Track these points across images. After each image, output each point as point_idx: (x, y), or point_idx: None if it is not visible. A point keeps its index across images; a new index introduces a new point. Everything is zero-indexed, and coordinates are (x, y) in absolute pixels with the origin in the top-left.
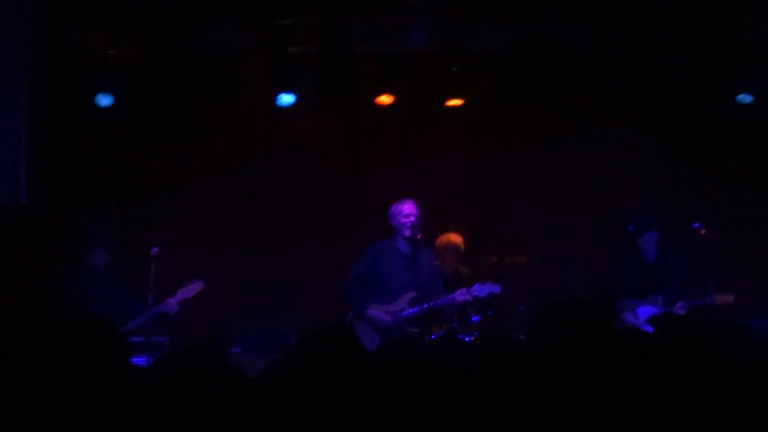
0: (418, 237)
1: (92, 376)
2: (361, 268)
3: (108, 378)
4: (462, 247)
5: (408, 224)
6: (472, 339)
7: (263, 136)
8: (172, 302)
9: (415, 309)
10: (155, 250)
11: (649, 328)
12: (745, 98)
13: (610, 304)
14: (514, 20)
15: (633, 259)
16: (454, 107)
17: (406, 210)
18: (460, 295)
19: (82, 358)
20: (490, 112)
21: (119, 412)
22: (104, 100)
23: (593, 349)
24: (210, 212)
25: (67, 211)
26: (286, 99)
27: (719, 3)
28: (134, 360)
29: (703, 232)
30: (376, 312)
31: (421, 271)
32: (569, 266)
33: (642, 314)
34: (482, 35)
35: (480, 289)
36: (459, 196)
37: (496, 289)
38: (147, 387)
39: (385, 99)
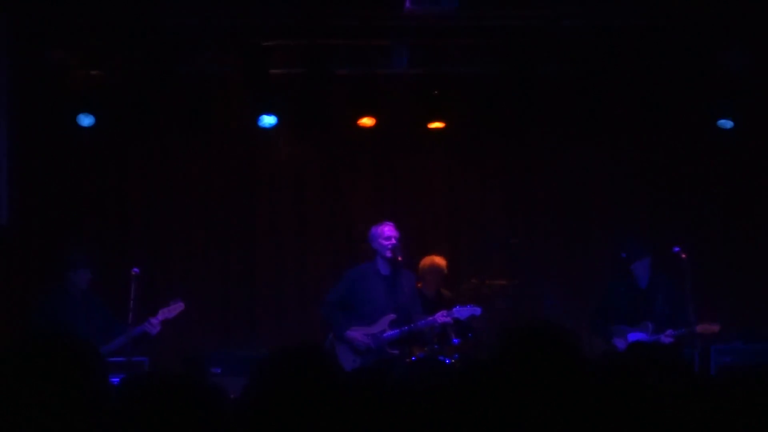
0: (399, 259)
1: (73, 398)
2: (341, 290)
3: (88, 400)
4: (445, 269)
5: (389, 246)
6: (452, 361)
7: (242, 158)
8: (154, 322)
9: (396, 331)
10: (135, 270)
11: None
12: (726, 124)
13: (604, 329)
14: (495, 46)
15: (625, 285)
16: (435, 131)
17: (387, 232)
18: (441, 317)
19: (62, 381)
20: (470, 136)
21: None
22: (85, 120)
23: (556, 373)
24: (189, 233)
25: (48, 231)
26: (268, 120)
27: (698, 35)
28: (114, 380)
29: (684, 256)
30: (356, 333)
31: (402, 293)
32: (549, 289)
33: (632, 340)
34: (464, 59)
35: (460, 311)
36: (439, 219)
37: (477, 311)
38: (124, 406)
39: (367, 121)
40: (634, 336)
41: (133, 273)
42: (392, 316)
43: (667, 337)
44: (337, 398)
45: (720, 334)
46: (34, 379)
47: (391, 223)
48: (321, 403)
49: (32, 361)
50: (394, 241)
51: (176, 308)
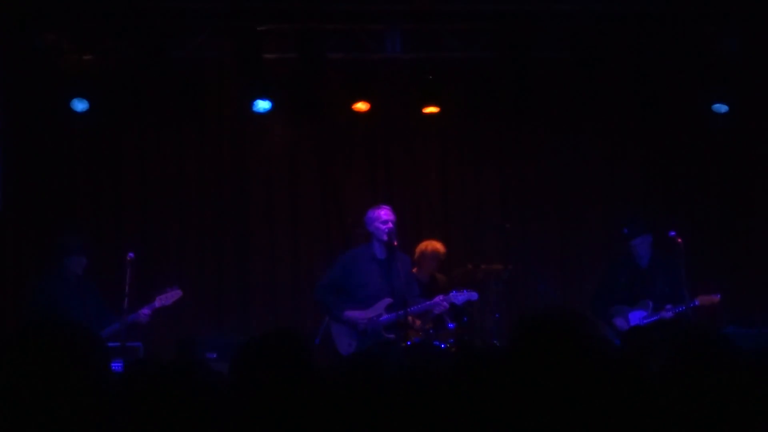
0: (395, 243)
1: (75, 382)
2: (335, 274)
3: (90, 384)
4: (443, 255)
5: (386, 230)
6: (447, 345)
7: (236, 143)
8: (145, 312)
9: (392, 315)
10: (131, 255)
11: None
12: (721, 108)
13: (604, 310)
14: (489, 31)
15: (626, 264)
16: (429, 116)
17: (384, 216)
18: (438, 300)
19: (65, 365)
20: (464, 121)
21: (102, 417)
22: (79, 105)
23: (574, 360)
24: (183, 219)
25: (42, 217)
26: (263, 105)
27: (692, 20)
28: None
29: (679, 240)
30: (354, 313)
31: (397, 277)
32: (543, 273)
33: (633, 319)
34: (458, 44)
35: (457, 296)
36: (433, 204)
37: (473, 296)
38: (125, 391)
39: (361, 106)
40: (635, 314)
41: (129, 258)
42: (388, 300)
43: (667, 312)
44: (314, 384)
45: (715, 317)
46: (36, 364)
47: (387, 207)
48: (298, 389)
49: (34, 346)
50: (390, 224)
51: (173, 295)
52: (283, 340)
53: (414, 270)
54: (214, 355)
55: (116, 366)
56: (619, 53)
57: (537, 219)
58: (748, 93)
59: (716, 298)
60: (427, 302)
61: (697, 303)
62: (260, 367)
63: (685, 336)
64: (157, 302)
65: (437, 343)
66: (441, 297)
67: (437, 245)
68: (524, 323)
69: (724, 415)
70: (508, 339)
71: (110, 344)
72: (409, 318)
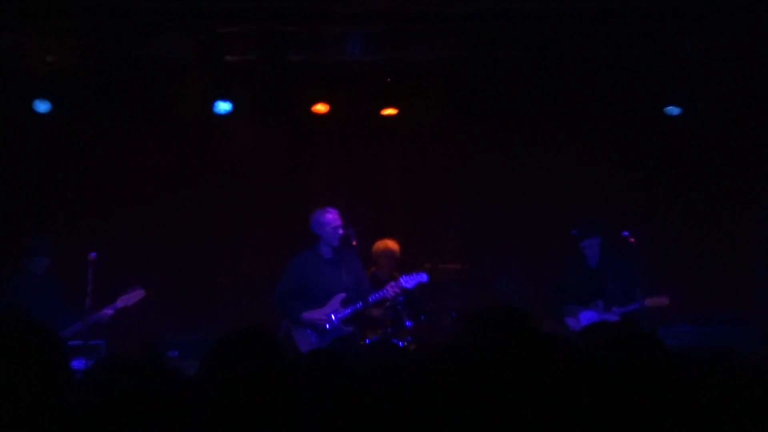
0: (354, 243)
1: (34, 380)
2: (291, 280)
3: (50, 382)
4: (398, 253)
5: (338, 236)
6: (405, 344)
7: (199, 144)
8: (108, 312)
9: (349, 309)
10: (93, 255)
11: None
12: (673, 110)
13: (557, 309)
14: (448, 33)
15: (577, 265)
16: (387, 118)
17: (334, 221)
18: (390, 288)
19: (24, 363)
20: (423, 122)
21: (62, 415)
22: (41, 106)
23: (517, 353)
24: (146, 219)
25: (5, 217)
26: (223, 107)
27: (650, 24)
28: (72, 363)
29: (632, 240)
30: (311, 314)
31: (347, 273)
32: (499, 272)
33: (584, 319)
34: (417, 46)
35: (407, 280)
36: (393, 204)
37: (423, 278)
38: (87, 390)
39: (320, 108)
40: (585, 315)
41: (91, 258)
42: (342, 295)
43: (613, 315)
44: (285, 378)
45: (668, 314)
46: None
47: (335, 210)
48: (270, 383)
49: None
50: (341, 230)
51: (136, 295)
52: (254, 335)
53: (373, 269)
54: (176, 353)
55: (78, 364)
56: (576, 56)
57: (494, 219)
58: (702, 94)
59: (664, 300)
60: (381, 290)
61: (645, 304)
62: (233, 361)
63: (616, 336)
64: (120, 302)
65: (395, 341)
66: (392, 283)
67: (390, 243)
68: (463, 320)
69: (648, 406)
70: (451, 335)
71: (73, 343)
72: (371, 309)
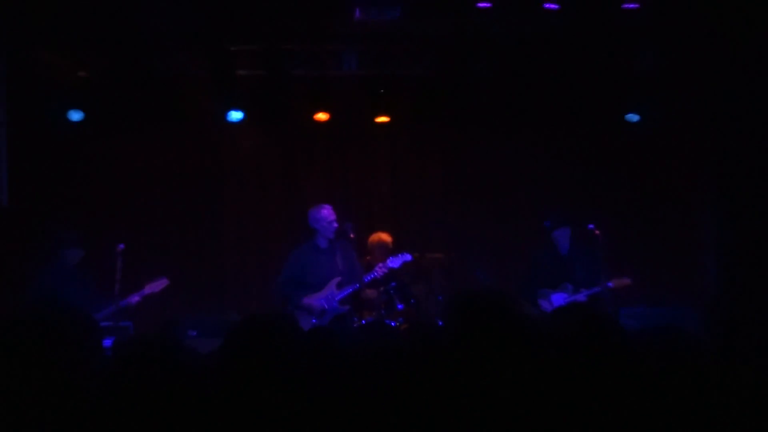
0: (351, 236)
1: (71, 359)
2: (291, 269)
3: (85, 360)
4: (391, 244)
5: (333, 229)
6: (397, 324)
7: (211, 148)
8: (136, 298)
9: (345, 291)
10: (120, 246)
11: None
12: (633, 117)
13: (532, 293)
14: (432, 51)
15: (548, 252)
16: (381, 124)
17: (329, 216)
18: (379, 268)
19: (62, 341)
20: (411, 129)
21: (97, 390)
22: (75, 116)
23: (500, 333)
24: (166, 215)
25: (43, 213)
26: (236, 115)
27: (610, 40)
28: (105, 342)
29: (597, 232)
30: (310, 300)
31: (340, 261)
32: (479, 261)
33: (556, 301)
34: (406, 63)
35: (393, 261)
36: (384, 201)
37: (407, 257)
38: (116, 364)
39: (321, 116)
40: (557, 297)
41: (119, 249)
42: (338, 279)
43: (581, 296)
44: (300, 358)
45: (630, 294)
46: (37, 344)
47: (329, 206)
48: (286, 363)
49: (36, 327)
50: (335, 225)
51: (161, 284)
52: (274, 321)
53: (368, 258)
54: (195, 333)
55: (108, 343)
56: (545, 70)
57: (475, 213)
58: (658, 104)
59: (627, 281)
60: (370, 272)
61: (611, 285)
62: (255, 343)
63: (582, 316)
64: (147, 290)
65: (388, 321)
66: (380, 265)
67: (383, 236)
68: (457, 300)
69: (609, 380)
70: (444, 314)
71: (103, 324)
72: (365, 288)
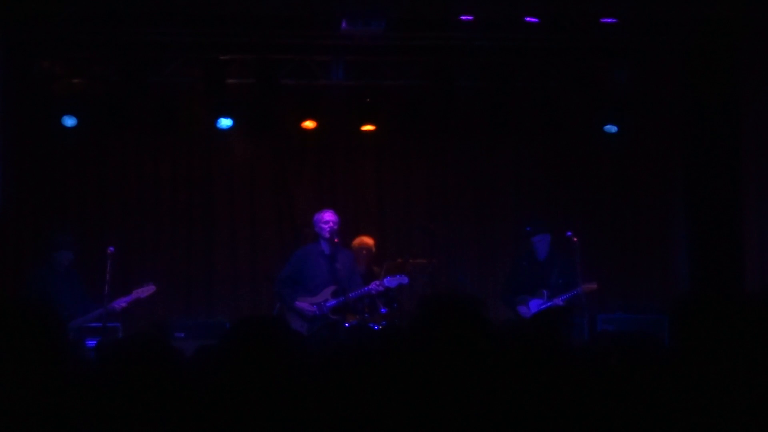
0: (336, 240)
1: (37, 356)
2: (291, 268)
3: (51, 358)
4: (373, 248)
5: (327, 229)
6: (380, 327)
7: (203, 154)
8: (121, 304)
9: (336, 300)
10: (111, 249)
11: None
12: (611, 128)
13: (511, 298)
14: (416, 62)
15: (527, 257)
16: (367, 133)
17: (326, 217)
18: (374, 286)
19: (27, 340)
20: (396, 137)
21: (69, 386)
22: (69, 121)
23: (465, 335)
24: (157, 219)
25: (36, 217)
26: (225, 123)
27: (588, 56)
28: (90, 342)
29: (575, 239)
30: (302, 304)
31: (341, 268)
32: (461, 266)
33: (533, 307)
34: (391, 73)
35: (391, 281)
36: (369, 207)
37: (404, 280)
38: (104, 364)
39: (309, 124)
40: (534, 302)
41: (109, 251)
42: (333, 287)
43: (560, 300)
44: (292, 358)
45: (602, 298)
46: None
47: (331, 210)
48: (278, 363)
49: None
50: (332, 224)
51: (148, 290)
52: (266, 324)
53: (376, 269)
54: (182, 335)
55: (91, 343)
56: (526, 81)
57: (457, 220)
58: (634, 116)
59: (593, 286)
60: (365, 287)
61: (579, 290)
62: (248, 345)
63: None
64: (133, 295)
65: (372, 325)
66: (377, 282)
67: (365, 239)
68: (425, 304)
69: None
70: (411, 316)
71: (93, 325)
72: (354, 301)
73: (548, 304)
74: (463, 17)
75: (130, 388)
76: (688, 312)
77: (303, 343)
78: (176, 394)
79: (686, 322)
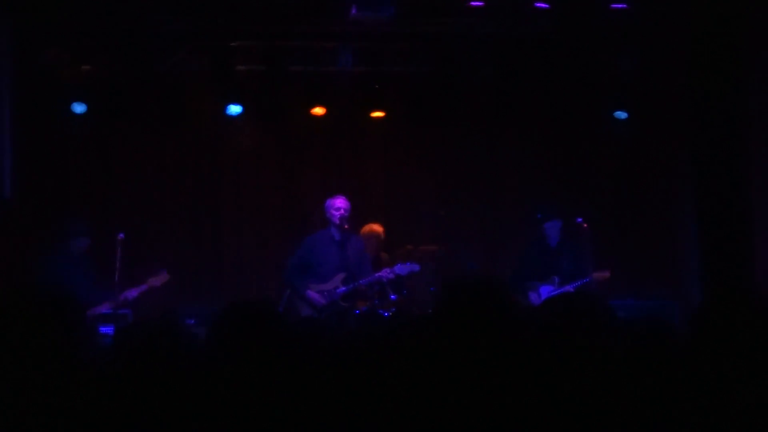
0: (345, 227)
1: (57, 343)
2: (301, 254)
3: (71, 345)
4: (382, 235)
5: (338, 215)
6: (390, 314)
7: (211, 141)
8: (134, 293)
9: (346, 287)
10: (121, 235)
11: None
12: (621, 114)
13: (521, 284)
14: (425, 49)
15: (538, 244)
16: (375, 119)
17: (337, 204)
18: (385, 273)
19: (47, 327)
20: (405, 124)
21: (97, 376)
22: (78, 108)
23: (492, 320)
24: (166, 206)
25: (45, 204)
26: (234, 109)
27: (597, 42)
28: (103, 329)
29: (585, 226)
30: (312, 294)
31: (352, 255)
32: (470, 252)
33: (544, 293)
34: (399, 60)
35: (402, 268)
36: (378, 194)
37: (416, 267)
38: (116, 351)
39: (318, 111)
40: (544, 289)
41: (119, 238)
42: (343, 274)
43: (570, 287)
44: (283, 345)
45: (613, 285)
46: (21, 325)
47: (343, 197)
48: (269, 350)
49: (18, 311)
50: (342, 211)
51: (162, 278)
52: (255, 308)
53: (384, 255)
54: (192, 321)
55: (107, 330)
56: (534, 67)
57: (467, 206)
58: (642, 101)
59: (606, 274)
60: (376, 274)
61: (590, 278)
62: (236, 330)
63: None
64: (149, 282)
65: (381, 311)
66: (387, 269)
67: (374, 227)
68: (448, 288)
69: (601, 368)
70: (436, 299)
71: (103, 311)
72: (364, 288)
73: (559, 290)
74: (473, 3)
75: (149, 372)
76: (706, 321)
77: (303, 327)
78: (194, 379)
79: (704, 330)
